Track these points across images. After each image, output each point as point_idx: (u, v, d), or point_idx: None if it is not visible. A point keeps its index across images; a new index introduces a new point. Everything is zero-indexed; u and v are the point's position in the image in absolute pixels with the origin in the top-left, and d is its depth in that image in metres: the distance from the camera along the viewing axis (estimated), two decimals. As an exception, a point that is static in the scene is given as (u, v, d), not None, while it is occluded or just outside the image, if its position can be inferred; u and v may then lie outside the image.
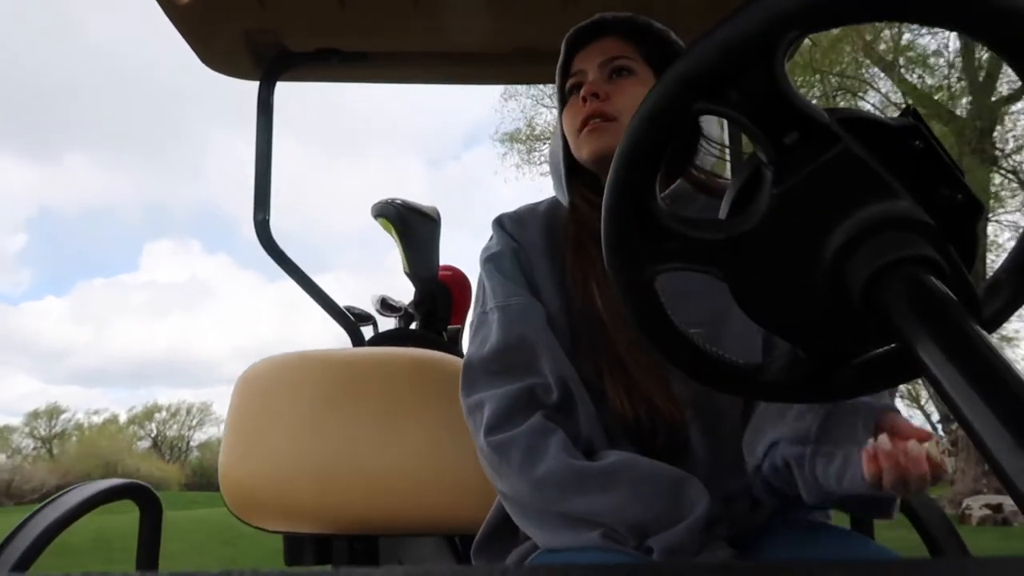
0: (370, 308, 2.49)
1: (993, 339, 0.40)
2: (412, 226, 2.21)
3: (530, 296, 0.97)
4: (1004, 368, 0.36)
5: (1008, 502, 6.77)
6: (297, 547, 1.31)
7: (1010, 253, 0.56)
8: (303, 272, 1.64)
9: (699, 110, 0.50)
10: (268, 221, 1.59)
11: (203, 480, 28.74)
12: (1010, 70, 0.47)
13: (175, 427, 37.45)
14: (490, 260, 1.01)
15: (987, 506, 7.00)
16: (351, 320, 1.78)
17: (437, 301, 2.29)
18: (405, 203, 2.23)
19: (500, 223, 1.05)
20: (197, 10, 1.40)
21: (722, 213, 0.56)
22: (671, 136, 0.52)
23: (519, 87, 13.65)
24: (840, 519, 0.99)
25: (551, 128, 13.66)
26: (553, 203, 1.07)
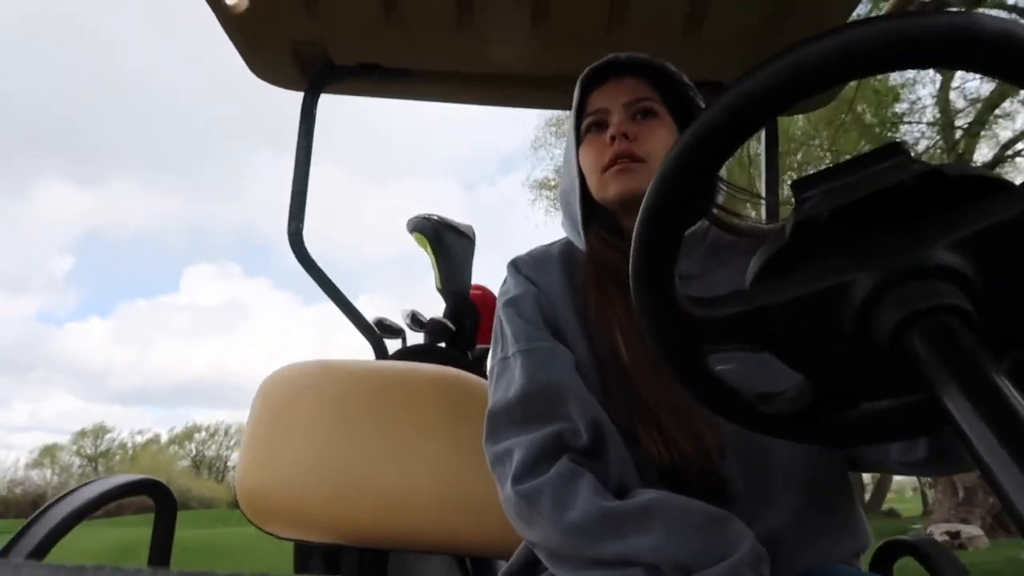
0: (400, 322, 2.50)
1: None
2: (447, 242, 2.23)
3: (554, 341, 0.94)
4: None
5: (965, 529, 7.76)
6: (307, 555, 1.31)
7: None
8: (333, 284, 1.66)
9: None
10: (302, 231, 1.61)
11: (249, 500, 29.50)
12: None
13: (213, 447, 38.24)
14: (510, 304, 0.98)
15: (947, 533, 7.84)
16: (376, 333, 1.78)
17: (465, 320, 2.29)
18: (441, 219, 2.25)
19: (515, 266, 1.04)
20: (248, 20, 1.43)
21: (748, 281, 0.54)
22: (683, 228, 0.51)
23: (548, 136, 14.71)
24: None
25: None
26: (567, 244, 1.05)
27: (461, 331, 2.26)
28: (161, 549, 1.14)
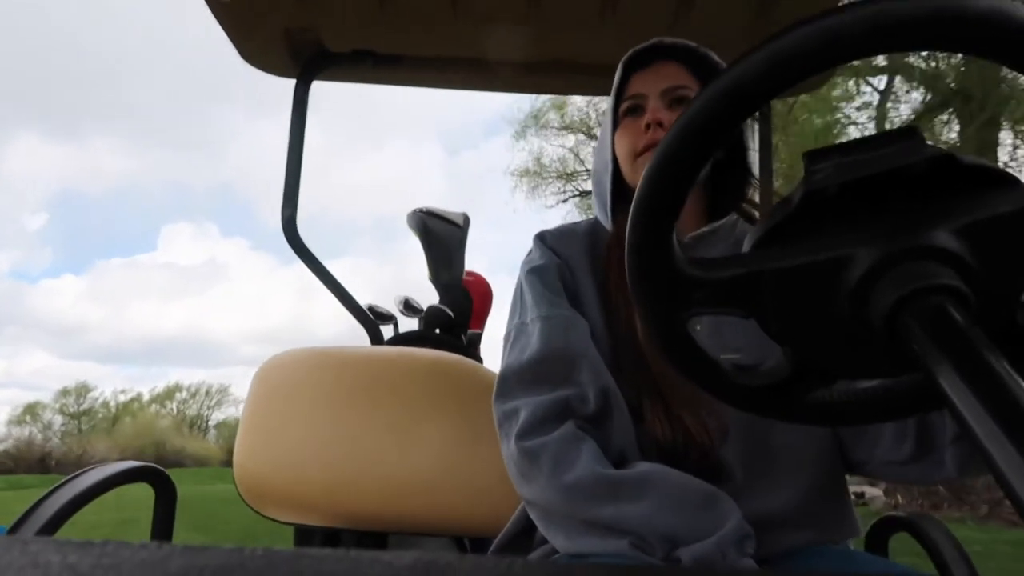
0: (392, 308, 2.51)
1: None
2: (435, 233, 2.24)
3: (573, 310, 0.96)
4: None
5: (869, 491, 8.75)
6: (307, 539, 1.32)
7: None
8: (326, 269, 1.66)
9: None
10: (295, 217, 1.61)
11: (237, 457, 30.19)
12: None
13: (195, 407, 38.22)
14: (533, 272, 1.00)
15: (854, 493, 9.14)
16: (371, 319, 1.79)
17: (459, 306, 2.30)
18: (430, 211, 2.26)
19: (542, 238, 1.06)
20: (240, 6, 1.43)
21: (748, 245, 0.54)
22: (689, 184, 0.51)
23: (529, 127, 15.62)
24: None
25: (556, 163, 15.53)
26: (593, 224, 1.07)
27: (455, 317, 2.27)
28: (162, 530, 1.14)
